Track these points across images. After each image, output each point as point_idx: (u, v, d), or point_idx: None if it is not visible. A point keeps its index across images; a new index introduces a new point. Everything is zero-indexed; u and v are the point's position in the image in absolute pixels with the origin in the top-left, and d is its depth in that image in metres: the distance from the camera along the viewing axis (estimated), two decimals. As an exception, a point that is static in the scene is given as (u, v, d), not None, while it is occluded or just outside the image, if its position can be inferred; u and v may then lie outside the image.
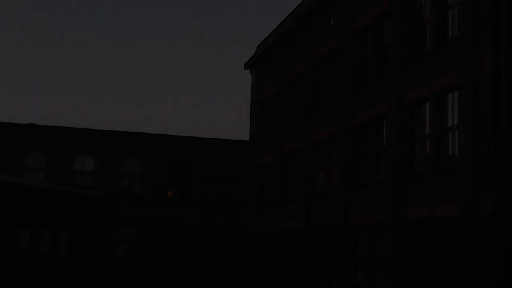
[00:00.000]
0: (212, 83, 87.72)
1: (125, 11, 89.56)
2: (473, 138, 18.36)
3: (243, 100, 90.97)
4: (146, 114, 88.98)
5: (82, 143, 41.34)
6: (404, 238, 21.52)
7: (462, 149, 18.74)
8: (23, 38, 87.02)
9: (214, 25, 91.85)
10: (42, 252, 19.47)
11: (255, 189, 38.29)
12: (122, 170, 41.88)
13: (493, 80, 17.64)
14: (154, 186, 41.95)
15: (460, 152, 19.09)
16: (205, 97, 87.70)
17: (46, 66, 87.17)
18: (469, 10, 18.86)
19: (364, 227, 24.77)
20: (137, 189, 41.94)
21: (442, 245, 19.76)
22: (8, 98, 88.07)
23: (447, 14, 20.62)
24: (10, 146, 40.29)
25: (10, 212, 18.41)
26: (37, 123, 41.32)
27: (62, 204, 20.33)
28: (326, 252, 27.84)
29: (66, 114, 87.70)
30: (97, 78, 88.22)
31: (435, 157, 20.29)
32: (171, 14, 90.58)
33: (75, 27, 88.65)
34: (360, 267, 24.90)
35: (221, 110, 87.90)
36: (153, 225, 41.57)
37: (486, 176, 17.81)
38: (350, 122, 26.19)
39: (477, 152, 18.28)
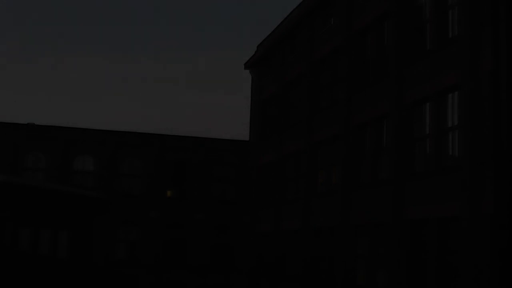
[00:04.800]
0: (212, 83, 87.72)
1: (124, 10, 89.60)
2: (473, 138, 18.36)
3: (243, 100, 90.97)
4: (146, 114, 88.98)
5: (82, 143, 41.32)
6: (404, 238, 21.51)
7: (462, 149, 18.74)
8: (23, 37, 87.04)
9: (214, 25, 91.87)
10: (42, 252, 19.45)
11: (255, 189, 38.28)
12: (122, 170, 41.86)
13: (493, 80, 17.64)
14: (154, 186, 41.94)
15: (460, 152, 19.09)
16: (205, 97, 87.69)
17: (46, 66, 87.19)
18: (469, 10, 18.86)
19: (364, 227, 24.77)
20: (137, 189, 41.92)
21: (442, 245, 19.76)
22: (8, 98, 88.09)
23: (447, 14, 20.62)
24: (10, 146, 40.28)
25: (10, 212, 18.38)
26: (37, 123, 41.32)
27: (62, 204, 20.31)
28: (326, 252, 27.84)
29: (66, 114, 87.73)
30: (97, 78, 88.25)
31: (435, 157, 20.28)
32: (171, 14, 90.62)
33: (75, 26, 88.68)
34: (360, 267, 24.90)
35: (221, 110, 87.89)
36: (153, 225, 41.56)
37: (486, 176, 17.80)
38: (350, 122, 26.18)
39: (477, 152, 18.27)
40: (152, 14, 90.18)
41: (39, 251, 19.41)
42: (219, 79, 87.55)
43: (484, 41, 18.30)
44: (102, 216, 39.96)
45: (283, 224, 33.02)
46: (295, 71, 32.96)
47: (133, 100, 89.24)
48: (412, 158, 21.81)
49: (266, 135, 37.62)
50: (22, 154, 40.47)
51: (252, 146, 39.45)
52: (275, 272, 33.35)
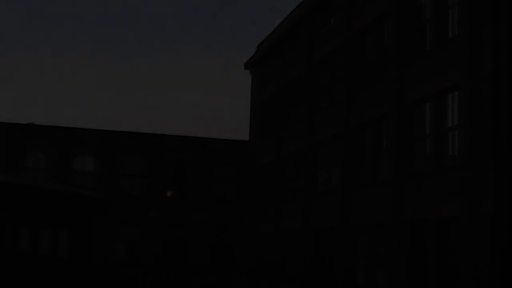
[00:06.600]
0: (212, 83, 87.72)
1: (124, 10, 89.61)
2: (473, 138, 18.36)
3: (243, 100, 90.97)
4: (146, 114, 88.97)
5: (82, 143, 41.32)
6: (404, 238, 21.51)
7: (462, 149, 18.74)
8: (22, 37, 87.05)
9: (214, 25, 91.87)
10: (42, 252, 19.45)
11: (255, 189, 38.28)
12: (122, 170, 41.85)
13: (493, 80, 17.64)
14: (154, 186, 41.94)
15: (460, 152, 19.09)
16: (205, 97, 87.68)
17: (46, 66, 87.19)
18: (469, 10, 18.86)
19: (364, 227, 24.77)
20: (137, 189, 41.91)
21: (442, 245, 19.76)
22: (8, 98, 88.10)
23: (447, 14, 20.62)
24: (10, 146, 40.28)
25: (10, 212, 18.38)
26: (37, 123, 41.31)
27: (62, 204, 20.31)
28: (326, 252, 27.84)
29: (66, 114, 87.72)
30: (97, 78, 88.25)
31: (435, 157, 20.28)
32: (171, 14, 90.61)
33: (74, 27, 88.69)
34: (360, 267, 24.90)
35: (221, 110, 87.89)
36: (153, 225, 41.56)
37: (486, 176, 17.80)
38: (350, 122, 26.18)
39: (477, 152, 18.27)
40: (152, 15, 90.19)
41: (39, 251, 19.40)
42: (219, 79, 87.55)
43: (484, 41, 18.29)
44: (102, 216, 39.97)
45: (283, 224, 33.02)
46: (295, 71, 32.95)
47: (133, 100, 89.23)
48: (412, 158, 21.81)
49: (266, 135, 37.61)
50: (22, 154, 40.47)
51: (252, 146, 39.44)
52: (275, 272, 33.35)
